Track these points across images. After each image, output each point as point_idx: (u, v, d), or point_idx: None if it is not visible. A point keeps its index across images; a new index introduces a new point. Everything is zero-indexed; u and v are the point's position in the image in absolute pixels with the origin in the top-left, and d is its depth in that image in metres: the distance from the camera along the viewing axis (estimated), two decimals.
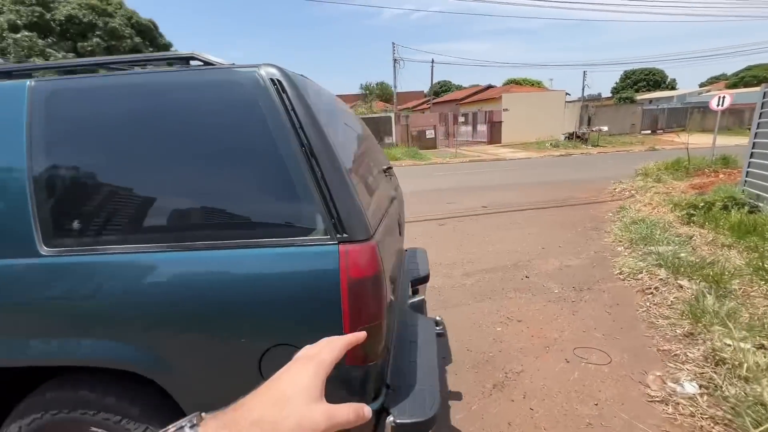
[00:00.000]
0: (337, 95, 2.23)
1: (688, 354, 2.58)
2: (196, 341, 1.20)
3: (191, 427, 0.35)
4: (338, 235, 1.14)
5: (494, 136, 25.42)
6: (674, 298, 3.32)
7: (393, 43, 22.68)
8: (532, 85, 36.09)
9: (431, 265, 4.66)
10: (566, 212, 7.04)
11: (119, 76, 1.30)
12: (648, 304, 3.35)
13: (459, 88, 46.36)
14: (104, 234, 1.20)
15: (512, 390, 2.39)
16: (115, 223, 1.20)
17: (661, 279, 3.71)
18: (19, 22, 19.47)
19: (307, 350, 0.44)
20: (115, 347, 1.20)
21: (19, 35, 19.28)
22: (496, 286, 3.97)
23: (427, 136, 23.50)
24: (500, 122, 25.25)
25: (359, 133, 2.04)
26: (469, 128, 27.61)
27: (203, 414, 0.37)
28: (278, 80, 1.19)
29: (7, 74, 1.39)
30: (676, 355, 2.61)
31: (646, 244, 4.66)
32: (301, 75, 1.63)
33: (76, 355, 1.23)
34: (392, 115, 23.04)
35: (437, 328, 2.17)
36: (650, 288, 3.60)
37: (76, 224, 1.20)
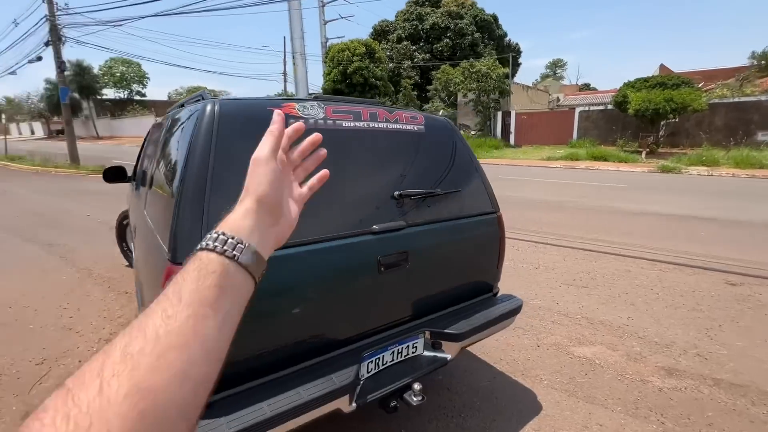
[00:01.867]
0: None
1: None
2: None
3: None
4: (168, 254, 1.28)
5: None
6: None
7: None
8: None
9: (628, 332, 3.18)
10: None
11: (175, 110, 1.94)
12: None
13: None
14: None
15: None
16: None
17: None
18: (402, 35, 26.89)
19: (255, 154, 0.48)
20: None
21: (401, 45, 26.68)
22: (707, 416, 2.30)
23: None
24: None
25: (379, 157, 1.81)
26: None
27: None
28: (201, 111, 1.42)
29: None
30: None
31: None
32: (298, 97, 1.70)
33: None
34: None
35: (414, 399, 1.77)
36: None
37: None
